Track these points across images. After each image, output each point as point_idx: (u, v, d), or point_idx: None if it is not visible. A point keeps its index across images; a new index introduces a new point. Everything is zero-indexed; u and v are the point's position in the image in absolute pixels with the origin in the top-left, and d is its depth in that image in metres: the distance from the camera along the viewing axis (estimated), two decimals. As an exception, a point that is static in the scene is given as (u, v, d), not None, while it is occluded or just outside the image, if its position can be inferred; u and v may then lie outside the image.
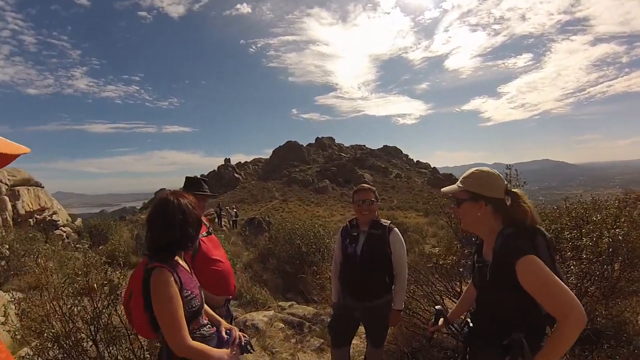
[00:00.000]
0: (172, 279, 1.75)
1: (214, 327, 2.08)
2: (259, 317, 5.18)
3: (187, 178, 2.97)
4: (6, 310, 3.20)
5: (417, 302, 4.00)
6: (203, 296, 1.99)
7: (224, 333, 2.03)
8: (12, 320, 3.07)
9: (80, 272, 3.13)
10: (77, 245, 6.64)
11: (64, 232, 14.50)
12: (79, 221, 17.38)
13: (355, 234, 3.06)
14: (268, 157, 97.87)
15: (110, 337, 3.08)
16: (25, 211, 13.23)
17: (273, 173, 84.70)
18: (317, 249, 7.55)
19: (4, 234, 8.18)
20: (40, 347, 2.90)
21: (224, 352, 1.93)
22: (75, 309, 3.06)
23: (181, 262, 1.94)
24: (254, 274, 8.41)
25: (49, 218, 14.47)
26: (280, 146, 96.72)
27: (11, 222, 12.12)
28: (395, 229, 3.06)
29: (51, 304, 3.07)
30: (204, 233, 2.82)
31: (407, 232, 14.26)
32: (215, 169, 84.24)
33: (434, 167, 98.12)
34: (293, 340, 4.65)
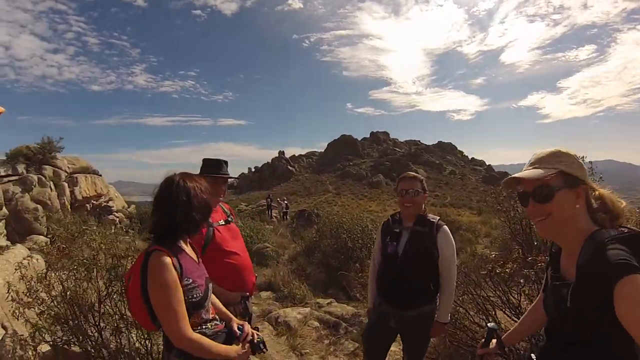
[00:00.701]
0: (171, 263, 1.59)
1: (222, 324, 1.88)
2: (293, 314, 4.88)
3: (204, 160, 2.72)
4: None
5: (465, 312, 3.45)
6: (209, 289, 1.82)
7: (235, 328, 1.87)
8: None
9: (124, 255, 3.05)
10: (128, 230, 6.82)
11: (117, 217, 15.41)
12: (132, 207, 18.27)
13: (397, 230, 2.62)
14: (322, 150, 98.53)
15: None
16: (82, 197, 14.13)
17: (327, 166, 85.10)
18: (363, 244, 7.12)
19: (61, 216, 8.79)
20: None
21: (231, 348, 1.76)
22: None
23: (186, 248, 1.79)
24: (298, 267, 8.19)
25: (105, 204, 15.49)
26: (335, 140, 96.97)
27: (69, 207, 13.09)
28: (445, 226, 2.58)
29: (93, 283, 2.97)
30: (221, 221, 2.60)
31: (459, 231, 13.28)
32: (269, 161, 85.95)
33: (489, 165, 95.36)
34: (326, 342, 4.31)
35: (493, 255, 3.77)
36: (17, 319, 2.83)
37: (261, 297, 6.36)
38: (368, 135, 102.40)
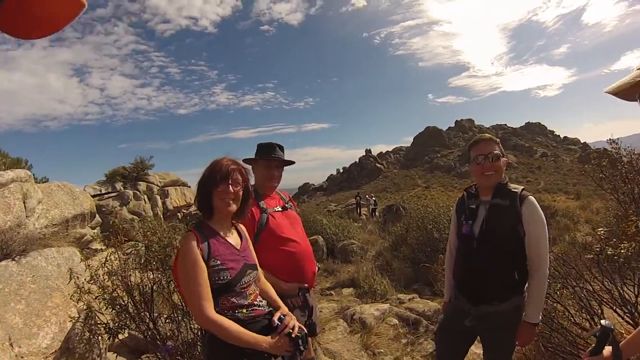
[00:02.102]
0: (195, 243, 1.64)
1: (263, 310, 1.79)
2: (370, 311, 4.62)
3: (258, 145, 2.62)
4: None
5: (564, 309, 2.81)
6: (246, 275, 1.76)
7: (275, 317, 1.76)
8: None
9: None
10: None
11: (206, 223, 17.03)
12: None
13: (474, 206, 2.20)
14: (409, 145, 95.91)
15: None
16: (173, 207, 15.64)
17: (414, 161, 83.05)
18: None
19: (156, 225, 9.99)
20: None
21: (262, 338, 1.66)
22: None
23: (225, 230, 1.82)
24: (383, 263, 7.88)
25: (194, 212, 16.83)
26: (419, 133, 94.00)
27: (161, 216, 14.70)
28: (531, 197, 2.07)
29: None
30: (278, 207, 2.48)
31: (555, 217, 11.47)
32: (357, 160, 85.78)
33: (584, 143, 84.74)
34: (404, 341, 3.96)
35: (601, 232, 3.00)
36: (90, 308, 3.05)
37: (342, 293, 6.25)
38: (453, 125, 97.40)
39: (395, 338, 4.02)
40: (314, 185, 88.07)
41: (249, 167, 2.00)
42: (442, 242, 6.46)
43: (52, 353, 3.63)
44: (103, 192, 13.55)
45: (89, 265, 3.07)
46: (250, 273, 1.78)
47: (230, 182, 1.75)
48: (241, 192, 1.82)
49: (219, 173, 1.74)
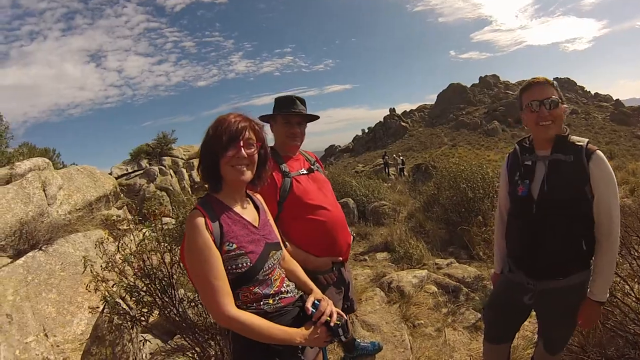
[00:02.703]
0: (203, 224, 1.32)
1: (293, 296, 1.51)
2: (408, 278, 4.36)
3: (275, 99, 2.30)
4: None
5: (624, 282, 2.43)
6: (270, 259, 1.46)
7: (309, 304, 1.48)
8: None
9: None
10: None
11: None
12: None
13: (529, 162, 1.85)
14: (433, 103, 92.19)
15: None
16: (200, 178, 15.77)
17: (439, 118, 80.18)
18: (485, 194, 6.07)
19: (185, 198, 9.95)
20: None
21: (296, 332, 1.38)
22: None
23: (239, 205, 1.50)
24: (416, 225, 7.60)
25: None
26: (443, 90, 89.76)
27: (189, 189, 14.87)
28: (599, 152, 1.71)
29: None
30: (303, 170, 2.18)
31: None
32: (382, 120, 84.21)
33: (617, 100, 77.57)
34: (444, 310, 3.71)
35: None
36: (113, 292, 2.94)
37: (377, 258, 6.01)
38: (477, 81, 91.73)
39: (435, 307, 3.78)
40: (339, 146, 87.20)
41: (264, 124, 1.61)
42: (477, 202, 6.08)
43: (87, 339, 3.61)
44: (129, 171, 13.75)
45: (105, 251, 2.93)
46: (274, 254, 1.48)
47: (241, 144, 1.41)
48: (256, 155, 1.48)
49: (226, 133, 1.38)
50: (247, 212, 1.51)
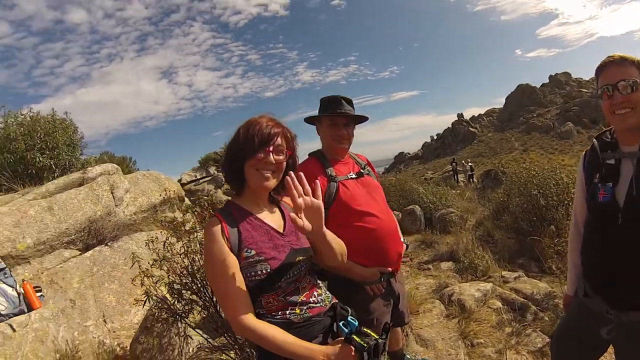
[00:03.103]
0: (218, 231, 1.29)
1: (322, 306, 1.38)
2: (471, 291, 3.95)
3: (321, 100, 2.19)
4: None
5: None
6: (295, 265, 1.35)
7: (340, 322, 1.34)
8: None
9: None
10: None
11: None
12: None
13: (612, 161, 1.49)
14: (501, 106, 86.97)
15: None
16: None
17: (509, 122, 75.84)
18: (559, 202, 5.39)
19: None
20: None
21: (317, 348, 1.25)
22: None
23: (257, 208, 1.42)
24: (484, 233, 7.07)
25: None
26: (511, 92, 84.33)
27: None
28: None
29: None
30: (351, 174, 2.05)
31: None
32: (450, 125, 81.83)
33: None
34: (508, 330, 3.28)
35: None
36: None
37: (441, 267, 5.67)
38: (547, 80, 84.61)
39: (497, 326, 3.36)
40: (409, 153, 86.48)
41: (296, 134, 1.51)
42: (550, 210, 5.44)
43: (138, 328, 3.80)
44: (198, 177, 14.56)
45: (155, 249, 3.02)
46: (301, 261, 1.38)
47: (271, 149, 1.34)
48: (284, 164, 1.41)
49: (258, 135, 1.33)
50: (271, 218, 1.43)
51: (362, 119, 2.15)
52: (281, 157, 1.38)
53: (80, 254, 4.45)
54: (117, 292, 4.28)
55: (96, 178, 5.46)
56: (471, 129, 77.11)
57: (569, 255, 1.81)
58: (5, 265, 3.44)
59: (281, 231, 1.40)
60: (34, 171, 5.98)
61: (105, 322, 3.90)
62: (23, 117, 6.60)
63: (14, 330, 3.07)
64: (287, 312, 1.29)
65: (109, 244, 4.72)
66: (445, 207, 9.02)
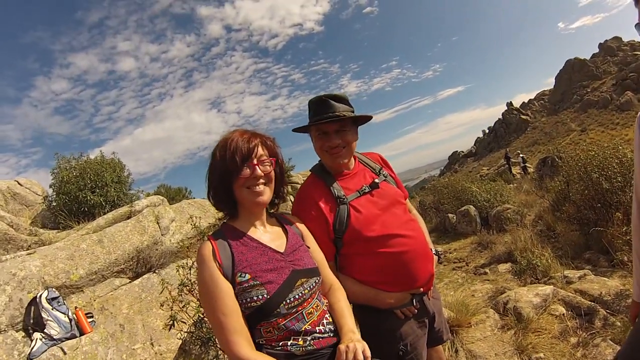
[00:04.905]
0: (209, 254, 1.21)
1: (330, 337, 1.26)
2: (528, 296, 3.55)
3: (308, 104, 1.77)
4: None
5: None
6: (295, 285, 1.24)
7: (343, 354, 1.15)
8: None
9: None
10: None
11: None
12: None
13: None
14: (551, 87, 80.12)
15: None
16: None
17: (562, 103, 69.47)
18: (625, 183, 4.75)
19: None
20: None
21: None
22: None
23: (253, 227, 1.33)
24: (545, 227, 6.52)
25: None
26: (560, 70, 77.05)
27: None
28: None
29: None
30: (364, 187, 1.66)
31: None
32: (500, 117, 77.47)
33: None
34: (572, 341, 2.88)
35: None
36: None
37: (498, 271, 5.29)
38: (597, 50, 76.09)
39: (560, 336, 2.96)
40: (462, 152, 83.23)
41: (274, 137, 1.43)
42: (615, 194, 4.84)
43: (176, 351, 3.90)
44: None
45: (184, 275, 3.07)
46: (304, 282, 1.25)
47: (255, 162, 1.28)
48: (273, 172, 1.35)
49: (238, 153, 1.25)
50: (270, 237, 1.34)
51: (362, 119, 1.73)
52: (268, 168, 1.32)
53: (129, 282, 4.66)
54: (164, 317, 4.42)
55: (142, 210, 5.80)
56: (522, 116, 72.36)
57: (633, 246, 1.44)
58: (58, 295, 3.69)
59: (281, 250, 1.30)
60: (86, 208, 6.50)
61: (152, 345, 4.03)
62: (75, 160, 7.31)
63: (65, 353, 3.24)
64: (289, 342, 1.18)
65: (156, 271, 4.91)
66: (500, 204, 8.57)
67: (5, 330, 3.29)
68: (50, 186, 7.07)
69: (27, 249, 4.76)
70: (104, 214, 6.07)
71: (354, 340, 1.18)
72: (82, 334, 3.54)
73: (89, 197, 6.49)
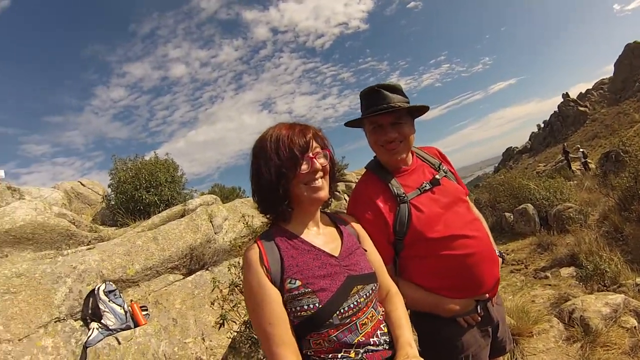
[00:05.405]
0: (257, 259, 1.11)
1: (384, 349, 1.16)
2: (597, 306, 3.31)
3: (359, 96, 1.66)
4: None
5: None
6: (350, 293, 1.13)
7: None
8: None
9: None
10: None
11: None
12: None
13: None
14: (611, 75, 72.97)
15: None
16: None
17: (624, 91, 62.75)
18: None
19: None
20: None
21: None
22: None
23: (306, 228, 1.23)
24: (611, 229, 6.01)
25: None
26: (619, 56, 69.50)
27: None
28: None
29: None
30: (425, 184, 1.54)
31: None
32: (556, 109, 72.00)
33: None
34: (646, 356, 2.62)
35: None
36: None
37: (561, 275, 5.03)
38: None
39: (631, 351, 2.71)
40: (517, 147, 78.90)
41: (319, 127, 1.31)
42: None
43: (227, 348, 3.98)
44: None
45: (235, 274, 3.14)
46: (360, 290, 1.15)
47: (312, 155, 1.18)
48: (328, 167, 1.24)
49: (295, 147, 1.15)
50: (323, 239, 1.23)
51: (420, 110, 1.59)
52: (324, 160, 1.21)
53: (183, 278, 4.85)
54: (216, 313, 4.55)
55: (196, 209, 6.01)
56: (580, 108, 67.08)
57: None
58: (115, 288, 3.91)
59: (336, 254, 1.19)
60: (142, 207, 6.87)
61: (203, 340, 4.15)
62: (131, 162, 7.73)
63: (119, 343, 3.43)
64: (340, 355, 1.08)
65: (209, 268, 5.07)
66: (561, 202, 8.06)
67: (64, 319, 3.53)
68: (109, 186, 7.58)
69: (87, 245, 5.06)
70: (159, 212, 6.35)
71: (410, 357, 1.09)
72: (136, 325, 3.71)
73: (144, 196, 6.84)
